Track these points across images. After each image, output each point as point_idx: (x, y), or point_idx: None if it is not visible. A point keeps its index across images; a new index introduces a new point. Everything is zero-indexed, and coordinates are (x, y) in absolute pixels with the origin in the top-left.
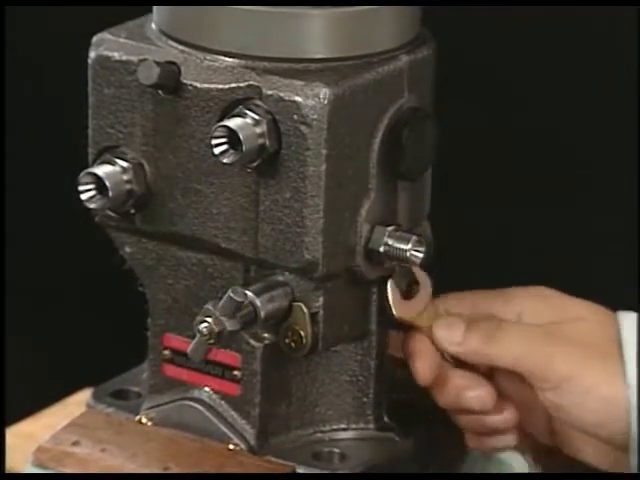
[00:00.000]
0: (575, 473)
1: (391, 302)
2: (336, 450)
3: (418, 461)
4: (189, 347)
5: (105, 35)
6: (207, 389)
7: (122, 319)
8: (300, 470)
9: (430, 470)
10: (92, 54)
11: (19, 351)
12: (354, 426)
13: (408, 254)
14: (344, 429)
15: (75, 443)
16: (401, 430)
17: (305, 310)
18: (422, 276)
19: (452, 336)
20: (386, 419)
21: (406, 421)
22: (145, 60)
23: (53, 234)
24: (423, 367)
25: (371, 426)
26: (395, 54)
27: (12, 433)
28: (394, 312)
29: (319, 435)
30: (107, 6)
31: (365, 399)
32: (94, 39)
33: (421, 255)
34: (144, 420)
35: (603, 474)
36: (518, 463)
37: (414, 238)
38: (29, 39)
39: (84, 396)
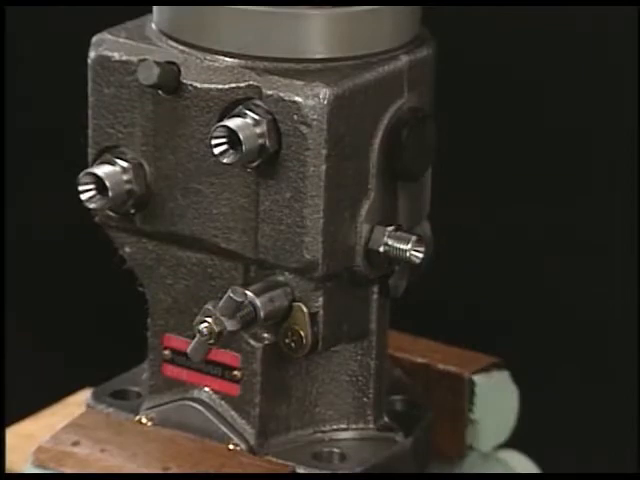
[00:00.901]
0: (575, 473)
1: None
2: (336, 450)
3: (418, 461)
4: (189, 347)
5: (105, 35)
6: (207, 389)
7: (122, 319)
8: (300, 470)
9: (430, 470)
10: (92, 54)
11: (19, 351)
12: (354, 426)
13: (408, 254)
14: (344, 429)
15: (75, 443)
16: (401, 430)
17: (305, 310)
18: None
19: None
20: (386, 419)
21: (406, 421)
22: (145, 60)
23: (53, 234)
24: None
25: (371, 426)
26: (395, 54)
27: (12, 433)
28: None
29: (319, 435)
30: (107, 6)
31: (365, 399)
32: (94, 39)
33: (421, 255)
34: (144, 420)
35: (603, 474)
36: (518, 463)
37: (414, 238)
38: (29, 39)
39: (84, 396)
